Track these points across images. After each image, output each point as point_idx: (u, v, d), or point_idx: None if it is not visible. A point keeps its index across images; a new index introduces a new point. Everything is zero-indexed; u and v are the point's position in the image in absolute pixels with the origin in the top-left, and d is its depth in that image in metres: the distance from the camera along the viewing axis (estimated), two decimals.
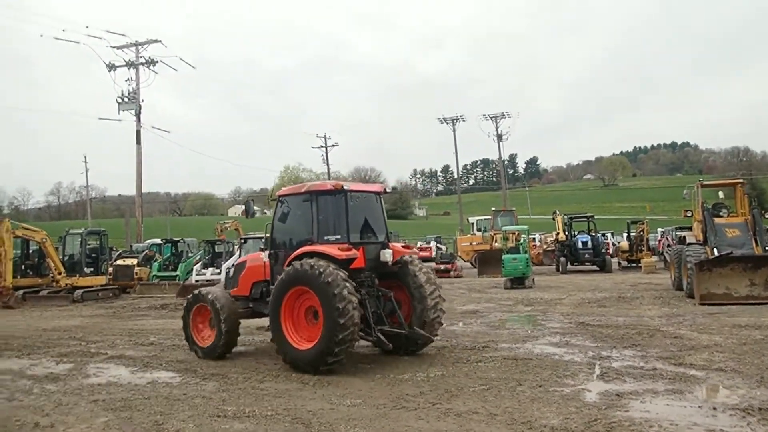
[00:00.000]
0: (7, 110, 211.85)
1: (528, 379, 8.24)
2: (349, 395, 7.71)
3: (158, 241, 31.35)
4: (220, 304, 10.46)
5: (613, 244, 38.65)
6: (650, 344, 10.55)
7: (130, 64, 34.16)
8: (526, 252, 23.97)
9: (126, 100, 33.74)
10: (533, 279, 23.76)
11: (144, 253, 27.65)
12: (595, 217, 33.33)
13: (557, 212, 32.48)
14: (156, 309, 19.63)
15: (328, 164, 62.69)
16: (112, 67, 34.10)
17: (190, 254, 27.85)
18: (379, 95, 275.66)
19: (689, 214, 20.07)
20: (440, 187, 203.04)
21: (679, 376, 8.20)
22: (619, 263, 33.63)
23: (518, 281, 23.01)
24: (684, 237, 20.42)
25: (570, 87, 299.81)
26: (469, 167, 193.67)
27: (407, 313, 10.20)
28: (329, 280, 8.78)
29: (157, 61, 34.15)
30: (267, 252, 10.64)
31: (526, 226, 26.90)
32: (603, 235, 35.74)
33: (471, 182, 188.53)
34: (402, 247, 10.76)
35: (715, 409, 6.65)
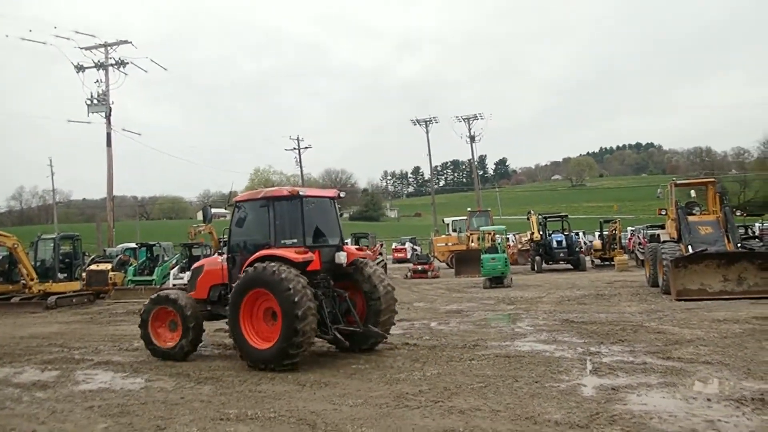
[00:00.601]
0: None
1: (524, 376, 8.36)
2: (349, 395, 7.73)
3: (132, 245, 30.86)
4: (183, 303, 10.78)
5: (584, 243, 39.28)
6: (636, 339, 10.78)
7: (99, 66, 33.45)
8: (503, 251, 24.21)
9: (95, 102, 33.06)
10: (511, 278, 24.01)
11: (118, 257, 27.19)
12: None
13: (532, 212, 32.86)
14: (134, 314, 19.24)
15: (301, 166, 62.54)
16: (80, 68, 33.35)
17: (165, 258, 27.47)
18: (353, 99, 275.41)
19: (663, 213, 20.51)
20: (411, 189, 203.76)
21: (669, 369, 8.41)
22: (592, 261, 34.21)
23: (497, 280, 23.23)
24: (658, 235, 20.86)
25: (537, 89, 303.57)
26: (439, 168, 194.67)
27: (362, 312, 10.70)
28: (286, 281, 9.20)
29: (127, 63, 33.51)
30: (225, 256, 10.94)
31: (503, 226, 27.17)
32: (576, 234, 36.31)
33: (442, 183, 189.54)
34: (356, 249, 11.33)
35: (709, 400, 6.84)
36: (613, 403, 6.84)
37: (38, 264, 23.08)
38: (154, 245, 28.27)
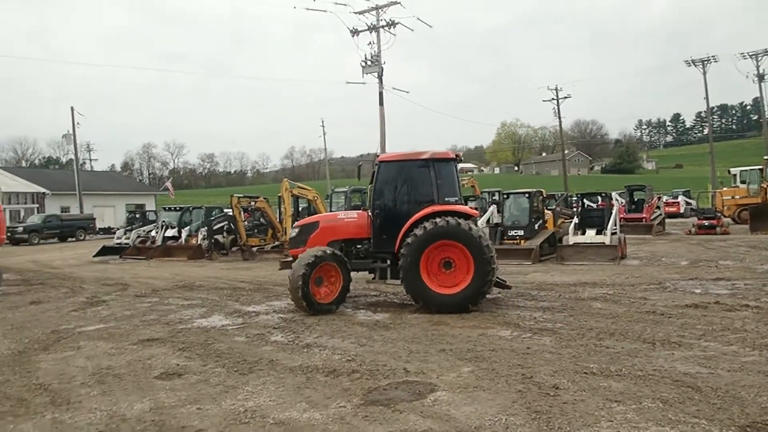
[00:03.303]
0: (245, 79, 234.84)
1: None
2: (716, 358, 7.03)
3: None
4: (344, 258, 11.30)
5: None
6: None
7: (371, 28, 35.32)
8: None
9: (369, 63, 35.04)
10: None
11: None
12: None
13: None
14: None
15: (560, 117, 59.78)
16: (355, 32, 35.50)
17: None
18: (597, 45, 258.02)
19: None
20: (669, 138, 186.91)
21: None
22: None
23: None
24: None
25: None
26: (703, 115, 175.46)
27: None
28: (481, 234, 10.60)
29: (396, 23, 34.91)
30: (370, 211, 11.58)
31: None
32: None
33: (706, 131, 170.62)
34: (473, 209, 12.18)
35: None
36: None
37: None
38: None
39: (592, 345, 7.93)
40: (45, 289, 16.76)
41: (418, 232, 10.60)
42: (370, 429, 5.24)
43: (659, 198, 32.07)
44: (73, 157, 59.70)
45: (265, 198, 26.08)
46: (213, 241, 26.05)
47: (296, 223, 12.59)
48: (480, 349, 7.92)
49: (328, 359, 7.68)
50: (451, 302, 10.46)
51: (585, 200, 30.30)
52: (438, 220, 10.59)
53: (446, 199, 11.11)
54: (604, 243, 18.56)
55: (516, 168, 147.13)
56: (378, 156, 11.66)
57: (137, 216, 36.88)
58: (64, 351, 8.81)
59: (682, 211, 44.14)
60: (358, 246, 11.86)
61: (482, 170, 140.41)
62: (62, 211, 49.45)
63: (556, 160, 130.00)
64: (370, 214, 11.53)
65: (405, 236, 10.86)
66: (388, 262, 11.46)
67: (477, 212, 12.23)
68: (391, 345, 8.36)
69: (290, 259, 11.99)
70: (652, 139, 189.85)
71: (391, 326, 9.64)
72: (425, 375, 6.80)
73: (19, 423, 5.80)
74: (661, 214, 30.58)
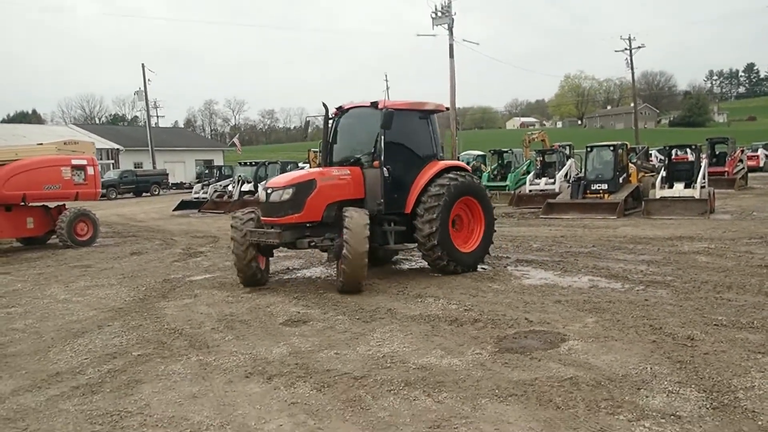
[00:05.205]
0: (307, 32, 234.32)
1: None
2: None
3: (478, 152, 32.15)
4: None
5: None
6: None
7: None
8: None
9: (439, 14, 34.44)
10: None
11: (471, 164, 28.56)
12: None
13: None
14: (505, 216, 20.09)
15: (632, 68, 57.22)
16: None
17: (516, 165, 28.12)
18: None
19: None
20: (742, 89, 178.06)
21: None
22: None
23: None
24: None
25: None
26: None
27: None
28: (487, 193, 10.92)
29: None
30: (382, 166, 9.69)
31: None
32: None
33: None
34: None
35: None
36: None
37: None
38: (505, 152, 29.01)
39: (712, 298, 7.79)
40: (139, 241, 17.50)
41: (442, 188, 9.73)
42: (515, 375, 5.33)
43: (742, 151, 30.76)
44: (139, 113, 61.49)
45: None
46: None
47: (278, 180, 9.87)
48: (596, 300, 7.89)
49: (446, 309, 7.80)
50: (465, 260, 10.15)
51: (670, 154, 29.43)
52: (458, 174, 10.13)
53: (441, 155, 10.71)
54: (693, 197, 18.04)
55: (579, 122, 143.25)
56: (380, 103, 9.94)
57: (206, 171, 37.70)
58: (182, 299, 9.22)
59: (761, 164, 42.35)
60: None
61: (544, 124, 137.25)
62: (135, 167, 51.12)
63: (621, 114, 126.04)
64: (385, 169, 9.69)
65: (422, 194, 9.84)
66: (393, 225, 9.88)
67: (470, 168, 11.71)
68: (503, 296, 8.42)
69: (275, 230, 9.33)
70: (724, 90, 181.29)
71: (495, 278, 9.69)
72: (550, 325, 6.84)
73: (168, 364, 6.12)
74: (743, 168, 29.43)
